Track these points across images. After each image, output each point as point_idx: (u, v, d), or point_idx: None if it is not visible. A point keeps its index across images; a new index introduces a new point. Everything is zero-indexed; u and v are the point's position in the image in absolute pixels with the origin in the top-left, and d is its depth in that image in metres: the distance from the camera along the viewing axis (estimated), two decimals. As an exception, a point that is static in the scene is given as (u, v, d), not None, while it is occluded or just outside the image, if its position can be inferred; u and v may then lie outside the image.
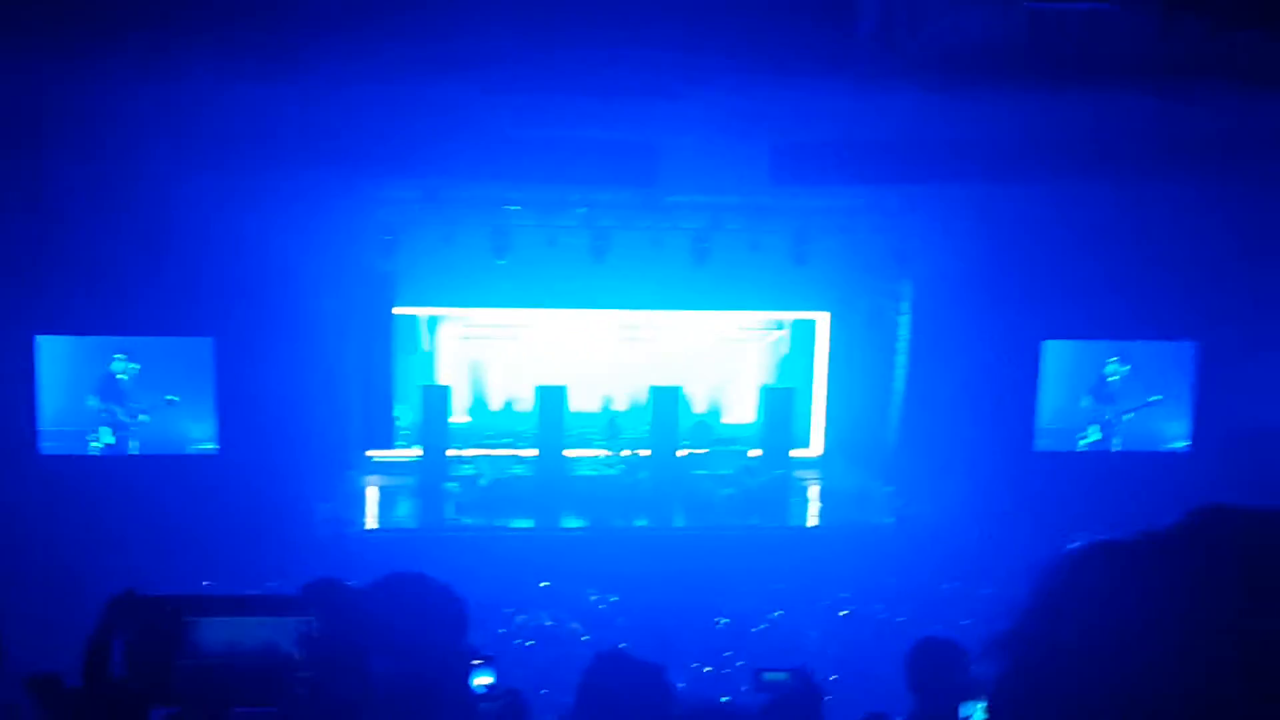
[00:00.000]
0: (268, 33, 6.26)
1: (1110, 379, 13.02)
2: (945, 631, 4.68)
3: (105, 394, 11.74)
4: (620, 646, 3.06)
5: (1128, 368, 13.05)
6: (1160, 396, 13.01)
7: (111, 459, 11.65)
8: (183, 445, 11.85)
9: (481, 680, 2.48)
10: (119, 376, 11.74)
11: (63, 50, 6.61)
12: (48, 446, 11.54)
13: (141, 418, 11.78)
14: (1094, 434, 13.04)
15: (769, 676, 2.81)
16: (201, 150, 9.32)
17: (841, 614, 10.38)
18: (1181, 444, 13.03)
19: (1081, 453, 13.01)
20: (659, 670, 3.17)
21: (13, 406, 11.23)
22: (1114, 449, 13.09)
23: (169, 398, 11.76)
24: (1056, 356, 12.95)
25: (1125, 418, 13.08)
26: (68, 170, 9.99)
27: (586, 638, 9.53)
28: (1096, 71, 6.62)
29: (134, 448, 11.78)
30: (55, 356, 11.59)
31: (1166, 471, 12.54)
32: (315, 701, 1.35)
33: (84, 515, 10.48)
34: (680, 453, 14.03)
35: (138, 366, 11.75)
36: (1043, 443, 12.98)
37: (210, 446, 11.82)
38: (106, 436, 11.73)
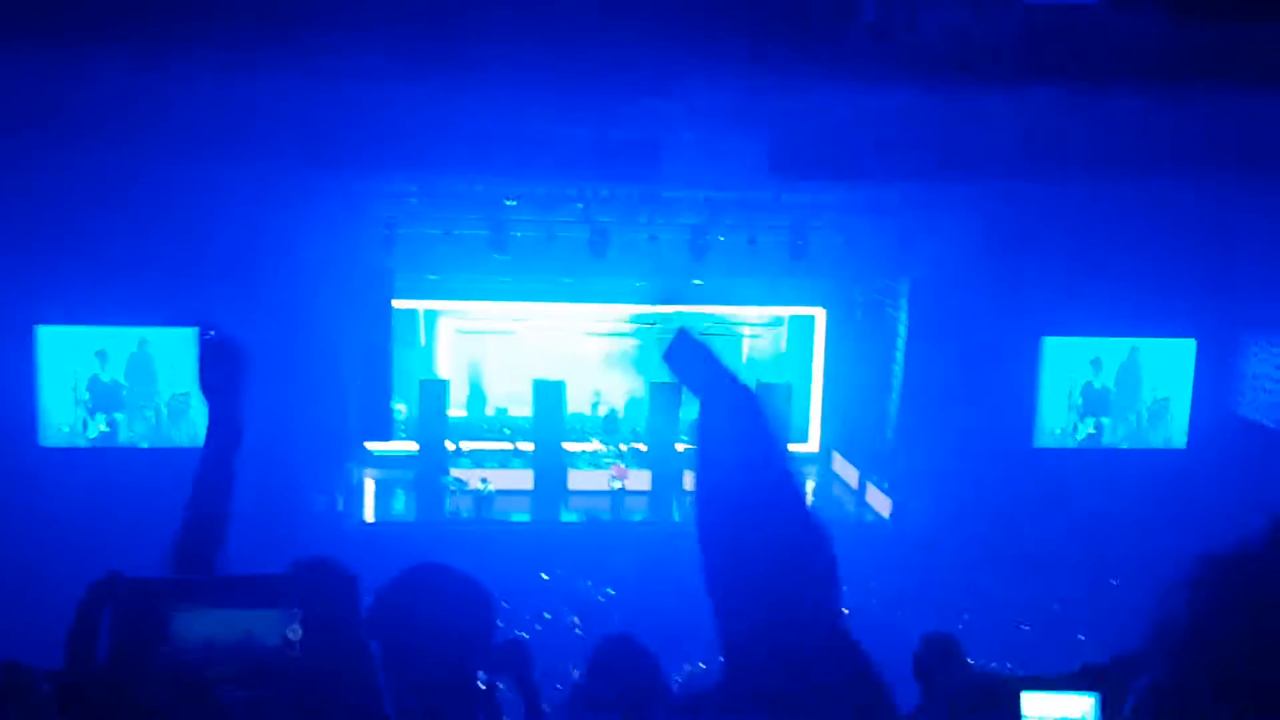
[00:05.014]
0: (265, 26, 6.25)
1: (1101, 383, 13.03)
2: (944, 628, 4.71)
3: (111, 388, 11.75)
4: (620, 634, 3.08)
5: (1126, 363, 13.05)
6: (1167, 396, 13.00)
7: (107, 451, 11.64)
8: (187, 439, 11.85)
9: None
10: (115, 378, 11.75)
11: (62, 43, 6.61)
12: (46, 438, 11.55)
13: (160, 408, 11.81)
14: (1087, 429, 13.03)
15: None
16: (200, 144, 9.31)
17: (844, 612, 10.37)
18: (1180, 441, 13.02)
19: (1080, 450, 12.99)
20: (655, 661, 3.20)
21: (12, 397, 11.23)
22: (1114, 446, 13.07)
23: (179, 391, 11.77)
24: (1056, 352, 12.94)
25: (1130, 417, 13.07)
26: (67, 163, 9.99)
27: (580, 631, 9.56)
28: (1093, 69, 6.62)
29: (127, 438, 11.78)
30: (55, 346, 11.60)
31: (1164, 469, 12.54)
32: (305, 683, 1.36)
33: (80, 507, 10.48)
34: (680, 447, 14.03)
35: (154, 357, 11.78)
36: (1042, 440, 12.97)
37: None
38: (100, 426, 11.72)
